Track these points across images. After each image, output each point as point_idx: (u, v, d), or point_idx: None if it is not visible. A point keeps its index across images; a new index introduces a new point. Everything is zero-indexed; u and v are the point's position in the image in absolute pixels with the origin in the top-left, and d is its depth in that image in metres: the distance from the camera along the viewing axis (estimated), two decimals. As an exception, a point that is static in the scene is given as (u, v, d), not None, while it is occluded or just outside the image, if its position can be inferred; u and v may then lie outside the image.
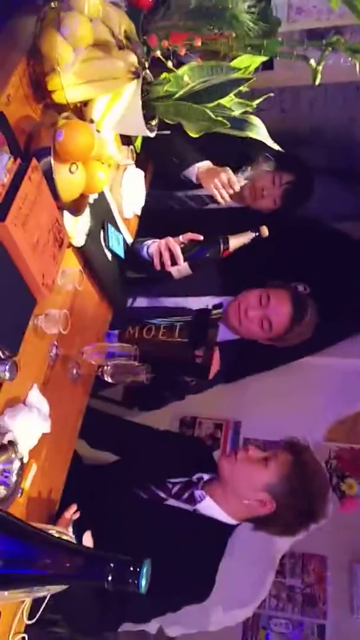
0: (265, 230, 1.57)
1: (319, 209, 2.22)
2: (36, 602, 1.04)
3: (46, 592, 0.89)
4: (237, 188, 1.65)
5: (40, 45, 1.09)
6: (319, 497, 1.41)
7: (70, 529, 1.13)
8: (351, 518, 2.32)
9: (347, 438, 2.49)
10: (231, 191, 1.65)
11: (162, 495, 1.47)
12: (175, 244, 1.52)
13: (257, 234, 1.57)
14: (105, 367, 1.29)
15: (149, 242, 1.58)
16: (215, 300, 1.79)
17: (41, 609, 1.02)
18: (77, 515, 1.19)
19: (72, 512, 1.19)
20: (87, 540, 1.14)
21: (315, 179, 2.06)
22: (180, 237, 1.54)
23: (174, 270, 1.55)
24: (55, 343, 1.21)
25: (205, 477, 1.50)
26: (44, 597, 1.00)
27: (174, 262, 1.51)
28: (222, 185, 1.64)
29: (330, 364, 2.29)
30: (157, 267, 1.54)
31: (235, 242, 1.56)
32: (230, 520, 1.45)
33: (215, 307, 1.64)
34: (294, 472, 1.38)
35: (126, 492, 1.48)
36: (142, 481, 1.50)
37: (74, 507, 1.20)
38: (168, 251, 1.51)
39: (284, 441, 1.49)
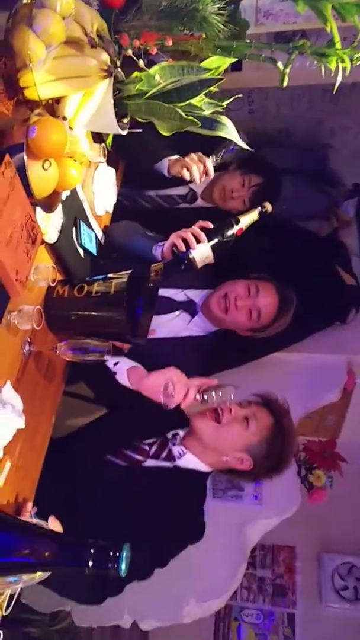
0: (269, 206, 1.60)
1: (287, 208, 2.27)
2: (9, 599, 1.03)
3: (21, 584, 0.89)
4: (209, 166, 1.68)
5: (12, 41, 1.08)
6: (289, 457, 1.51)
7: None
8: (319, 509, 2.39)
9: (316, 431, 2.55)
10: (201, 166, 1.67)
11: (139, 457, 1.48)
12: (186, 230, 1.50)
13: (263, 209, 1.59)
14: None
15: (161, 243, 1.57)
16: (193, 292, 1.80)
17: (12, 604, 1.01)
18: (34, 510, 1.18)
19: (29, 510, 1.16)
20: (53, 524, 1.13)
21: (284, 180, 2.11)
22: (192, 228, 1.51)
23: (198, 259, 1.50)
24: (29, 339, 1.22)
25: (181, 432, 1.51)
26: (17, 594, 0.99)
27: (190, 245, 1.48)
28: (194, 162, 1.67)
29: (298, 360, 2.34)
30: (167, 256, 1.52)
31: (246, 220, 1.57)
32: (208, 469, 1.50)
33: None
34: (274, 437, 1.45)
35: (100, 462, 1.47)
36: (116, 447, 1.49)
37: (30, 504, 1.19)
38: (183, 236, 1.48)
39: (260, 397, 1.53)
